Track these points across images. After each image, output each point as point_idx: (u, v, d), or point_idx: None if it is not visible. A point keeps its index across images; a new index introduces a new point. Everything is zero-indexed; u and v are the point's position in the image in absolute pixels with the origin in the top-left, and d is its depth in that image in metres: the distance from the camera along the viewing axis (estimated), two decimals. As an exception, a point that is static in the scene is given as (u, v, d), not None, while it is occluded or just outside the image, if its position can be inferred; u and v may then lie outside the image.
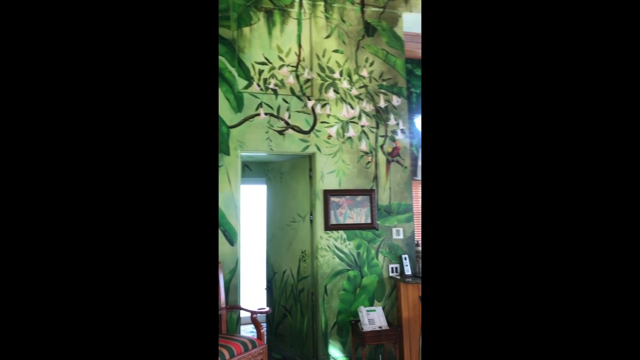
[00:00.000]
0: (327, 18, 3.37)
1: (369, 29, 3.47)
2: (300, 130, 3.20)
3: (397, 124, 3.43)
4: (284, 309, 3.44)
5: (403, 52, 3.51)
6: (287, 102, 3.19)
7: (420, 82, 5.27)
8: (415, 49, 4.87)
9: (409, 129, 3.47)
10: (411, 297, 3.12)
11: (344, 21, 3.41)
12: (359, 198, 3.26)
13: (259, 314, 2.82)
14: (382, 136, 3.38)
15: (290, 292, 3.39)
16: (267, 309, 2.71)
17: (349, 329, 3.11)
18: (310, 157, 3.30)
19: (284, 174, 3.59)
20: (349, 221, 3.22)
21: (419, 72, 5.24)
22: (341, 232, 3.19)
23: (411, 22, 3.64)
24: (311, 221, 3.25)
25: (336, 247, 3.17)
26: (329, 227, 3.15)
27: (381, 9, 3.51)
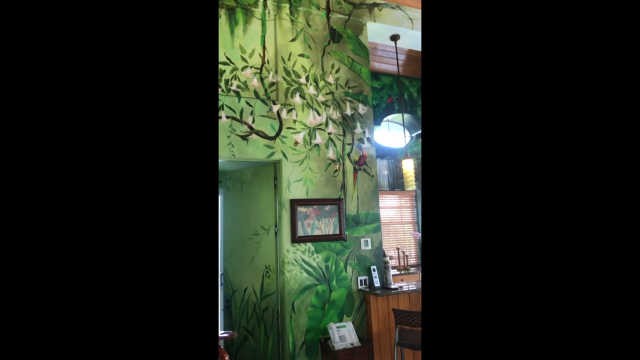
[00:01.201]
0: (292, 21, 3.25)
1: (334, 35, 3.40)
2: (265, 136, 2.99)
3: (364, 132, 3.37)
4: (245, 330, 3.13)
5: (368, 61, 3.50)
6: (250, 105, 2.97)
7: (377, 93, 5.35)
8: (372, 61, 4.93)
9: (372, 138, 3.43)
10: (381, 310, 3.02)
11: (309, 25, 3.31)
12: (328, 208, 3.11)
13: (221, 339, 2.51)
14: (349, 144, 3.29)
15: (253, 311, 3.11)
16: (231, 332, 2.41)
17: (318, 349, 2.91)
18: (276, 165, 3.10)
19: (244, 182, 3.33)
20: (317, 232, 3.05)
21: (375, 84, 5.32)
22: (309, 244, 3.01)
23: (375, 32, 3.66)
24: (276, 233, 3.03)
25: (304, 260, 2.97)
26: (296, 239, 2.96)
27: (346, 17, 3.47)
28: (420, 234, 5.44)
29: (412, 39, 3.85)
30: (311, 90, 3.22)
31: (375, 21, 3.56)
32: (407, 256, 5.34)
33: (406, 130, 5.97)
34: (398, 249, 5.24)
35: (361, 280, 3.15)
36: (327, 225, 3.09)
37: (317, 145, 3.17)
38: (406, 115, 5.76)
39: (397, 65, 3.87)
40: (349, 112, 3.34)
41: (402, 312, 2.64)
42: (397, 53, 3.79)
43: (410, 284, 3.36)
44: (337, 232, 3.11)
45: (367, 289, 3.08)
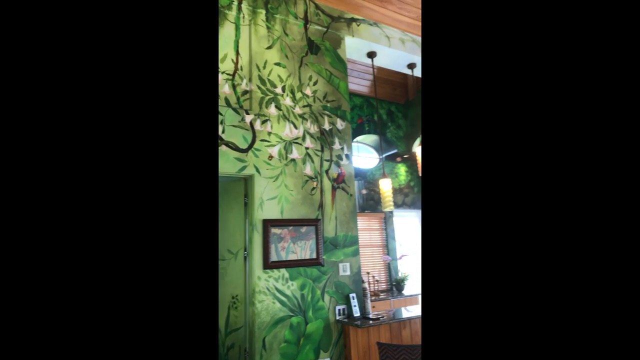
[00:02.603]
0: (268, 28, 3.04)
1: (312, 47, 3.24)
2: (236, 148, 2.68)
3: (342, 148, 3.18)
4: (204, 374, 2.67)
5: (346, 75, 3.36)
6: (221, 114, 2.67)
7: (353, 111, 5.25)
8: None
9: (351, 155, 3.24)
10: (361, 343, 2.73)
11: (286, 34, 3.12)
12: (304, 229, 2.82)
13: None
14: (327, 160, 3.07)
15: (215, 350, 2.68)
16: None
17: (291, 392, 2.54)
18: (247, 180, 2.78)
19: (209, 200, 2.96)
20: (292, 257, 2.74)
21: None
22: (283, 270, 2.68)
23: (352, 47, 3.55)
24: (245, 258, 2.67)
25: (277, 289, 2.63)
26: (269, 264, 2.62)
27: (325, 29, 3.33)
28: (390, 258, 5.28)
29: (389, 58, 3.80)
30: (287, 101, 2.99)
31: (353, 36, 3.46)
32: (377, 281, 5.13)
33: (375, 152, 5.91)
34: (368, 273, 5.01)
35: (339, 310, 2.86)
36: (303, 249, 2.79)
37: (293, 160, 2.90)
38: (374, 137, 5.71)
39: (374, 82, 3.78)
40: (327, 126, 3.14)
41: (388, 347, 2.38)
42: (373, 69, 3.70)
43: (389, 312, 3.12)
44: (314, 256, 2.82)
45: (346, 320, 2.79)
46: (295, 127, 2.97)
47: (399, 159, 5.85)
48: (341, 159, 3.14)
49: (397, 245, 5.56)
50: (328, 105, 3.20)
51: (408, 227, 5.97)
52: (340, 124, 3.22)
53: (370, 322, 2.73)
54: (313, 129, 3.06)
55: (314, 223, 2.86)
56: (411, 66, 3.95)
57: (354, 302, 2.88)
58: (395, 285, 5.17)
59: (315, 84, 3.16)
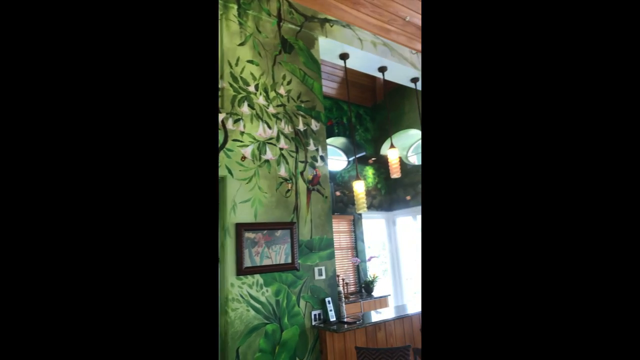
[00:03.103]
0: (240, 24, 2.92)
1: (286, 45, 3.16)
2: (207, 148, 2.52)
3: (317, 149, 3.12)
4: (171, 390, 2.48)
5: (320, 76, 3.31)
6: (190, 111, 2.50)
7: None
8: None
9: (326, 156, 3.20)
10: (338, 348, 2.68)
11: (259, 31, 3.02)
12: (279, 233, 2.73)
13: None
14: (302, 162, 3.00)
15: (183, 364, 2.49)
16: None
17: (267, 404, 2.42)
18: (219, 182, 2.63)
19: (177, 204, 2.77)
20: (266, 262, 2.63)
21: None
22: (257, 276, 2.57)
23: (325, 48, 3.52)
24: (218, 264, 2.52)
25: (251, 295, 2.51)
26: (242, 270, 2.49)
27: (298, 27, 3.27)
28: (359, 260, 5.30)
29: (361, 60, 3.81)
30: (261, 100, 2.88)
31: (326, 37, 3.42)
32: (347, 284, 5.12)
33: (344, 154, 5.92)
34: (338, 276, 4.98)
35: (315, 315, 2.78)
36: (278, 254, 2.69)
37: (267, 161, 2.80)
38: (343, 140, 5.72)
39: (347, 84, 3.76)
40: (301, 127, 3.07)
41: (367, 351, 2.34)
42: (346, 71, 3.69)
43: (359, 314, 3.10)
44: (290, 260, 2.73)
45: (322, 325, 2.73)
46: (269, 127, 2.87)
47: (371, 161, 5.91)
48: (316, 161, 3.09)
49: (365, 247, 5.60)
50: (302, 105, 3.13)
51: (376, 229, 6.04)
52: (314, 125, 3.16)
53: (346, 326, 2.69)
54: (287, 129, 2.97)
55: (289, 226, 2.78)
56: (382, 69, 3.99)
57: (330, 307, 2.82)
58: (365, 287, 5.19)
59: (289, 83, 3.08)
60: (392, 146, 3.63)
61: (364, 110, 6.12)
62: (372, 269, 5.62)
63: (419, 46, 4.19)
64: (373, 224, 6.00)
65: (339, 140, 5.71)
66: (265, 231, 2.65)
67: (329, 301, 2.84)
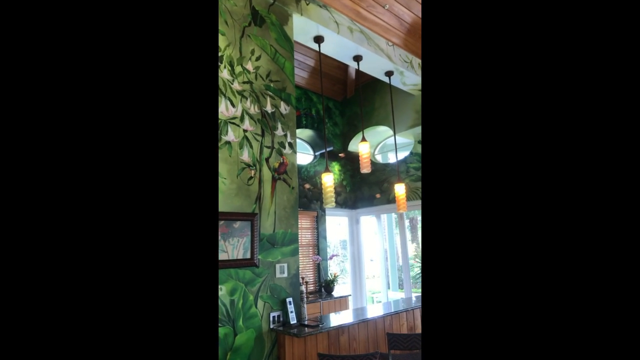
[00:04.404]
0: (206, -14, 2.56)
1: (256, 17, 2.84)
2: (158, 122, 2.16)
3: (285, 135, 2.84)
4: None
5: (292, 56, 3.03)
6: (140, 77, 2.13)
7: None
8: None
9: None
10: (297, 354, 2.43)
11: (227, -3, 2.68)
12: (237, 224, 2.42)
13: None
14: (268, 147, 2.70)
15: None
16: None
17: (213, 419, 2.11)
18: (170, 163, 2.27)
19: (117, 186, 2.37)
20: (222, 257, 2.31)
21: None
22: (210, 272, 2.24)
23: (299, 29, 3.24)
24: (163, 258, 2.17)
25: (202, 295, 2.18)
26: (193, 265, 2.16)
27: (271, 0, 2.97)
28: (320, 258, 5.08)
29: (335, 46, 3.58)
30: (225, 74, 2.55)
31: (301, 14, 3.15)
32: (307, 282, 4.87)
33: (310, 147, 5.68)
34: (303, 278, 4.72)
35: (274, 317, 2.51)
36: (235, 248, 2.38)
37: (228, 143, 2.48)
38: (310, 132, 5.48)
39: (320, 70, 3.52)
40: (269, 108, 2.78)
41: (332, 358, 2.11)
42: (320, 57, 3.44)
43: (324, 317, 2.87)
44: (248, 256, 2.43)
45: (281, 328, 2.46)
46: (233, 105, 2.55)
47: (342, 155, 5.71)
48: (284, 147, 2.81)
49: (327, 245, 5.39)
50: (271, 85, 2.83)
51: (338, 227, 5.86)
52: (284, 108, 2.88)
53: (307, 329, 2.44)
54: (253, 109, 2.67)
55: (250, 218, 2.47)
56: (357, 58, 3.79)
57: (291, 308, 2.56)
58: (325, 287, 4.99)
59: (258, 59, 2.78)
60: (363, 139, 3.44)
61: (334, 103, 5.91)
62: (333, 268, 5.43)
63: (395, 39, 4.04)
64: (336, 222, 5.82)
65: (306, 133, 5.46)
66: (222, 222, 2.33)
67: (290, 302, 2.57)
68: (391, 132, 5.40)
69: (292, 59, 3.03)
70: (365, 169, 3.40)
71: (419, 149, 4.98)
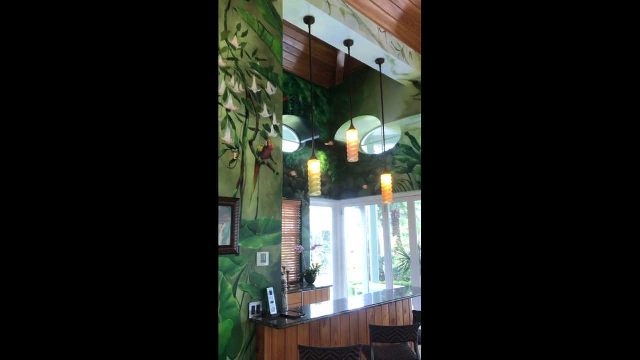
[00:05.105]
0: (190, -49, 2.37)
1: (244, -9, 2.67)
2: (132, 95, 1.99)
3: (271, 117, 2.70)
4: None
5: (281, 35, 2.88)
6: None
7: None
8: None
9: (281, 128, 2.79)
10: (277, 346, 2.33)
11: (213, -34, 2.49)
12: (218, 210, 2.28)
13: None
14: (252, 129, 2.56)
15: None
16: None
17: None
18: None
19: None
20: (199, 242, 2.17)
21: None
22: (186, 259, 2.10)
23: (289, 8, 3.08)
24: (135, 242, 2.01)
25: (176, 282, 2.04)
26: (167, 251, 2.01)
27: (261, -26, 2.79)
28: (302, 248, 4.99)
29: (326, 28, 3.44)
30: (208, 49, 2.38)
31: (292, -8, 2.99)
32: (288, 272, 4.78)
33: (296, 135, 5.53)
34: (284, 268, 4.62)
35: (253, 307, 2.40)
36: (214, 233, 2.25)
37: (210, 122, 2.32)
38: (296, 120, 5.33)
39: (310, 53, 3.37)
40: (255, 88, 2.62)
41: (312, 351, 2.02)
42: (310, 40, 3.29)
43: (305, 308, 2.78)
44: (228, 242, 2.30)
45: (261, 319, 2.35)
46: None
47: (331, 143, 5.59)
48: (269, 130, 2.67)
49: (310, 235, 5.30)
50: (258, 64, 2.68)
51: (321, 217, 5.77)
52: (270, 89, 2.73)
53: (288, 320, 2.34)
54: (238, 88, 2.51)
55: (231, 203, 2.34)
56: (348, 43, 3.66)
57: (272, 298, 2.45)
58: (307, 277, 4.91)
59: (244, 35, 2.61)
60: (352, 127, 3.33)
61: (322, 91, 5.77)
62: (315, 258, 5.36)
63: (387, 25, 3.93)
64: (319, 212, 5.73)
65: (292, 120, 5.31)
66: (200, 206, 2.19)
67: (270, 292, 2.47)
68: (378, 122, 5.32)
69: (280, 37, 2.88)
70: (353, 157, 3.31)
71: (406, 140, 4.91)
